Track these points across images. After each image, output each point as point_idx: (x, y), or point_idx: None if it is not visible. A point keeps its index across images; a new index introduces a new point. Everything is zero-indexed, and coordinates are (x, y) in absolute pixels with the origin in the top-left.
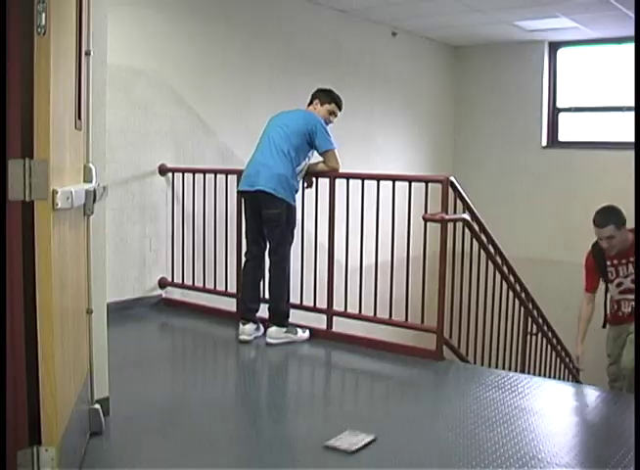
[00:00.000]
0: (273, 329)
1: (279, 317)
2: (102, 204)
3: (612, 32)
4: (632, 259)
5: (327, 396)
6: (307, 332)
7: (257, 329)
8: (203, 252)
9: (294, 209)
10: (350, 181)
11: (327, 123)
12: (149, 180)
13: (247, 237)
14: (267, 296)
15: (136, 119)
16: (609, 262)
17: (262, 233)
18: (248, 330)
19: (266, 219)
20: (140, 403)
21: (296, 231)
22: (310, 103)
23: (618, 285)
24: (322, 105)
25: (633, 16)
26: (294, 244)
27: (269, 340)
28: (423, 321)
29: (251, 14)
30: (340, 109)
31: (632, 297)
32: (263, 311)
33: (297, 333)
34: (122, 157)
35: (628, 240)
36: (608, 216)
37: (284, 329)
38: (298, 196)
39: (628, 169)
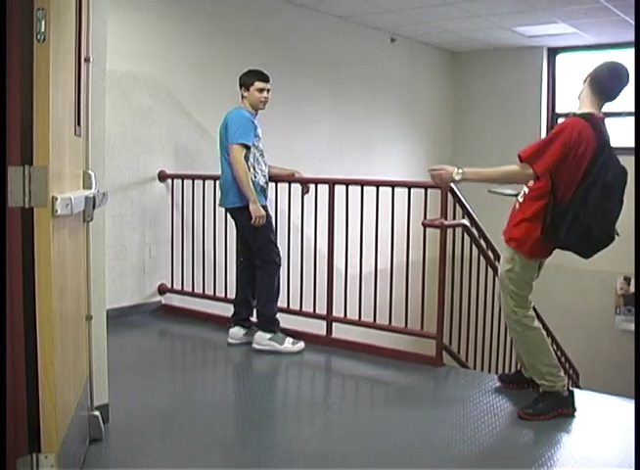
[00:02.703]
0: (258, 334)
1: (263, 322)
2: (101, 210)
3: (610, 38)
4: None
5: (327, 401)
6: (301, 344)
7: (247, 333)
8: (202, 258)
9: (263, 207)
10: (350, 187)
11: (264, 103)
12: (148, 186)
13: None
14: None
15: (135, 126)
16: None
17: (246, 242)
18: (232, 333)
19: (239, 230)
20: (140, 410)
21: (272, 230)
22: (242, 96)
23: None
24: (248, 89)
25: (631, 21)
26: (293, 249)
27: (254, 345)
28: (422, 327)
29: (249, 20)
30: (265, 80)
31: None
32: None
33: (283, 343)
34: (122, 163)
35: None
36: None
37: (268, 335)
38: (297, 201)
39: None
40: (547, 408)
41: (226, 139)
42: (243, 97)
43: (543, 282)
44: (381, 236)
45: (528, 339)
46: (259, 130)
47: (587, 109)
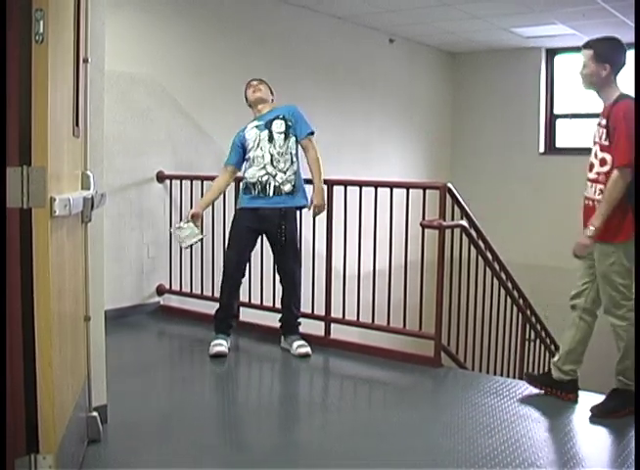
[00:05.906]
0: None
1: None
2: (100, 211)
3: None
4: (604, 125)
5: (325, 402)
6: (216, 348)
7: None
8: (201, 259)
9: (236, 212)
10: (348, 188)
11: (251, 99)
12: (147, 187)
13: None
14: None
15: (134, 126)
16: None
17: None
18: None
19: None
20: (138, 411)
21: (233, 240)
22: None
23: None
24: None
25: (629, 23)
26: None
27: None
28: (421, 328)
29: (249, 21)
30: (251, 80)
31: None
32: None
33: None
34: (120, 164)
35: (608, 93)
36: (597, 41)
37: None
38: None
39: None
40: (623, 405)
41: None
42: None
43: (542, 283)
44: (379, 237)
45: (630, 334)
46: (250, 133)
47: (617, 88)
